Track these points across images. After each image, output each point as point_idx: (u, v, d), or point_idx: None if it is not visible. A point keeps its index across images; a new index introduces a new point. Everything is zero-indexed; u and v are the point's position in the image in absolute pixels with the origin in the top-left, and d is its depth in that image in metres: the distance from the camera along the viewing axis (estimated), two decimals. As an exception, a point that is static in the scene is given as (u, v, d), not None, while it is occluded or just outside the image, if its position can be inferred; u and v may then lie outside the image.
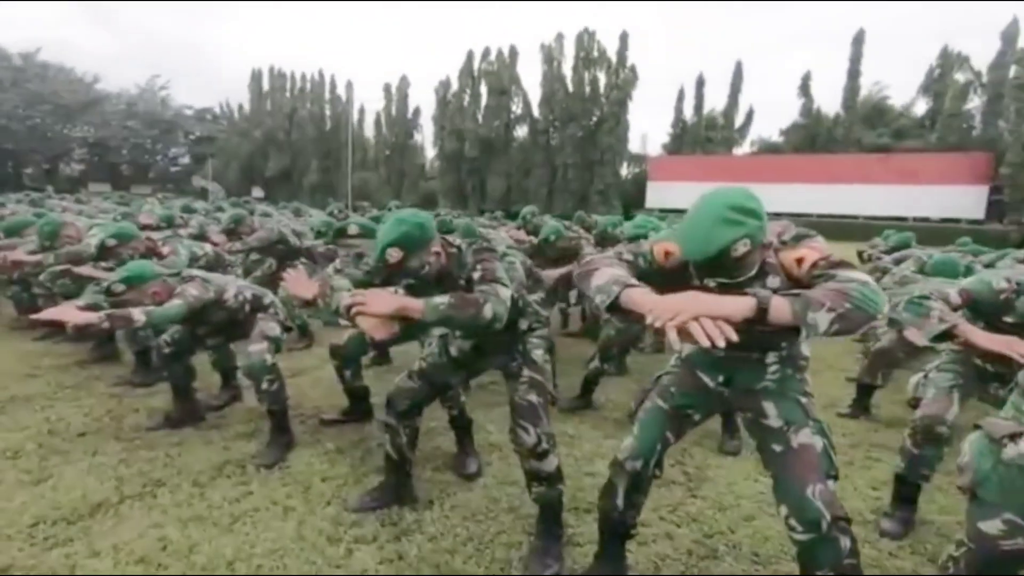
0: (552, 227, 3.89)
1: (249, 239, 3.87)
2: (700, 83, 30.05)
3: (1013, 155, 21.38)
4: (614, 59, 28.98)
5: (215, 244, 3.71)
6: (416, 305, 1.41)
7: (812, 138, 29.14)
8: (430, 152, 35.53)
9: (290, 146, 35.30)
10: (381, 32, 64.19)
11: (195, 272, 2.25)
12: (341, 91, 35.87)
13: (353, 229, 2.19)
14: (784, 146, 30.72)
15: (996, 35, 24.36)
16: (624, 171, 31.32)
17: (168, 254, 3.10)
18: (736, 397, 1.37)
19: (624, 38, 28.83)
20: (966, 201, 23.77)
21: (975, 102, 25.89)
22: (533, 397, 1.59)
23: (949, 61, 26.53)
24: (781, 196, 26.75)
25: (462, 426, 2.21)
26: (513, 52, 30.96)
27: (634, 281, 1.17)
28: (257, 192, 33.71)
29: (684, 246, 1.19)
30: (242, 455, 2.22)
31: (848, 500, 2.01)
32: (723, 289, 1.19)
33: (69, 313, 1.98)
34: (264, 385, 2.16)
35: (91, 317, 1.92)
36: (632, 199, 29.36)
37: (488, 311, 1.40)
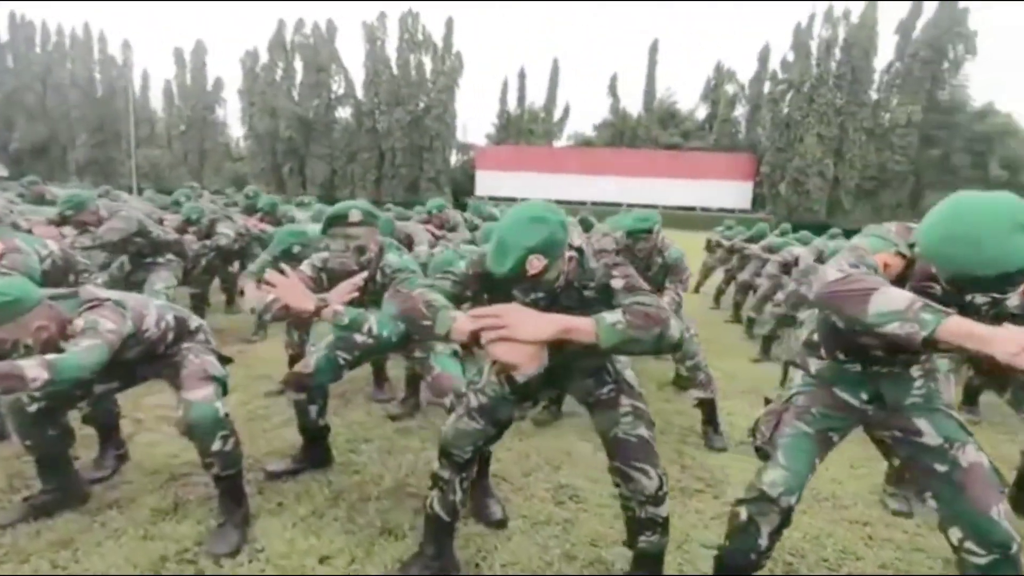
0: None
1: (101, 231, 2.86)
2: (522, 76, 31.26)
3: (771, 156, 26.06)
4: (440, 44, 28.67)
5: (54, 238, 2.65)
6: (585, 327, 1.07)
7: (620, 134, 32.24)
8: (236, 131, 31.64)
9: (45, 114, 28.54)
10: (161, -13, 54.68)
11: (96, 291, 1.53)
12: (115, 52, 30.04)
13: (355, 215, 1.66)
14: (596, 140, 33.51)
15: (754, 55, 29.54)
16: (453, 159, 31.33)
17: (4, 253, 2.10)
18: (883, 415, 1.29)
19: (450, 24, 28.67)
20: (737, 194, 28.47)
21: (740, 110, 31.12)
22: (643, 431, 1.35)
23: (721, 75, 31.36)
24: (596, 186, 29.43)
25: (481, 462, 1.85)
26: (331, 27, 28.86)
27: None
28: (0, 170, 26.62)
29: (491, 265, 1.21)
30: (180, 544, 1.59)
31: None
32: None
33: None
34: (216, 445, 1.55)
35: None
36: (460, 187, 29.53)
37: (675, 328, 1.10)
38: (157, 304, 1.68)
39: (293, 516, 1.76)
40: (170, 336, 1.67)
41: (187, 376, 1.60)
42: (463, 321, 1.10)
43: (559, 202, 7.95)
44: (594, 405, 1.43)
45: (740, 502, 1.28)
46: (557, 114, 32.06)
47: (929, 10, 23.96)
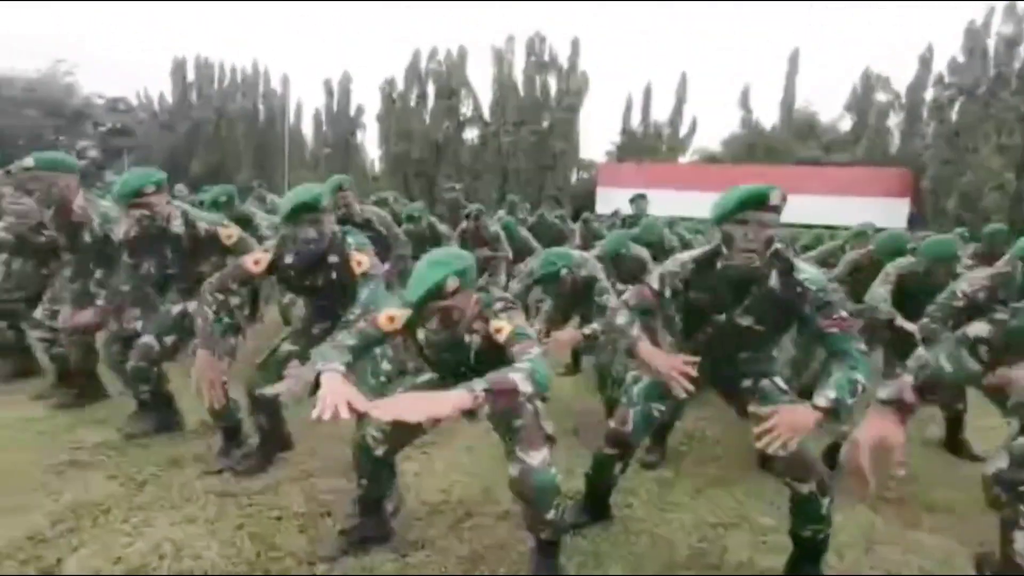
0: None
1: None
2: (647, 92, 30.72)
3: (935, 170, 23.22)
4: (565, 64, 29.02)
5: None
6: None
7: (750, 149, 30.50)
8: (373, 152, 34.16)
9: (220, 142, 32.72)
10: (319, 26, 61.21)
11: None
12: (276, 85, 33.77)
13: (452, 284, 1.91)
14: (723, 156, 31.98)
15: (913, 59, 26.61)
16: (573, 177, 31.43)
17: None
18: None
19: (576, 44, 28.95)
20: (889, 211, 25.63)
21: (894, 120, 28.16)
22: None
23: (870, 82, 28.64)
24: (723, 204, 27.83)
25: None
26: (462, 53, 30.31)
27: None
28: (182, 191, 30.92)
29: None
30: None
31: None
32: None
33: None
34: (551, 513, 1.73)
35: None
36: (581, 204, 29.50)
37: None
38: None
39: None
40: None
41: (526, 429, 1.61)
42: None
43: (683, 219, 7.70)
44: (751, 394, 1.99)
45: None
46: (683, 130, 31.06)
47: None
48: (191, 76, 33.76)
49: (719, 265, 1.89)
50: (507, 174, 29.38)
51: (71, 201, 3.04)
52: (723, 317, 1.93)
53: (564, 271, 3.16)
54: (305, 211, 2.32)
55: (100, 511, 2.44)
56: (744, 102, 30.37)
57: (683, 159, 31.87)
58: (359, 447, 1.90)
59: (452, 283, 1.55)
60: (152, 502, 2.53)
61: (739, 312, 1.89)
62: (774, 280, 1.83)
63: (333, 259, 2.48)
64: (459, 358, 1.82)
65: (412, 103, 30.76)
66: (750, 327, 1.91)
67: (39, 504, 2.49)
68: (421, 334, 1.85)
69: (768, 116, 31.02)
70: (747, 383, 2.01)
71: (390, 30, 57.72)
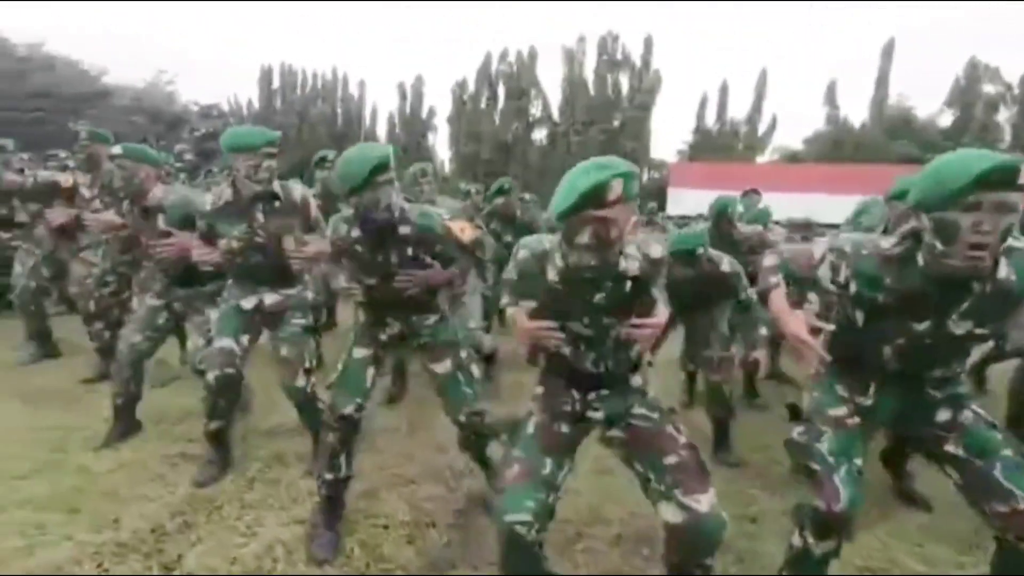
0: None
1: None
2: (724, 90, 29.54)
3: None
4: (638, 63, 28.40)
5: None
6: None
7: (837, 147, 28.65)
8: (443, 153, 34.77)
9: (302, 145, 34.35)
10: (395, 31, 63.09)
11: None
12: (353, 90, 35.03)
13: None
14: (806, 155, 30.23)
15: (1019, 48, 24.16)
16: (645, 176, 30.72)
17: None
18: None
19: (648, 42, 28.30)
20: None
21: (1004, 114, 25.64)
22: None
23: (976, 73, 26.21)
24: (806, 205, 26.30)
25: None
26: (532, 54, 30.31)
27: None
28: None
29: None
30: None
31: None
32: None
33: None
34: (710, 559, 1.52)
35: None
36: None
37: None
38: None
39: None
40: None
41: (685, 467, 1.46)
42: None
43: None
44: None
45: None
46: (762, 127, 29.68)
47: None
48: (276, 83, 35.62)
49: (922, 261, 1.44)
50: (576, 174, 29.14)
51: (148, 191, 3.24)
52: (926, 325, 1.50)
53: (700, 250, 3.08)
54: (380, 172, 2.01)
55: (213, 507, 2.51)
56: (831, 98, 28.61)
57: (762, 158, 30.41)
58: (509, 538, 1.46)
59: (616, 187, 1.29)
60: (261, 500, 2.58)
61: (955, 318, 1.47)
62: (1003, 270, 1.39)
63: (405, 231, 2.16)
64: (596, 293, 1.54)
65: (482, 104, 31.06)
66: (967, 334, 1.48)
67: (158, 495, 2.59)
68: (559, 260, 1.55)
69: (857, 113, 29.12)
70: (944, 416, 1.60)
71: (463, 33, 58.60)
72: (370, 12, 62.66)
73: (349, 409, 2.16)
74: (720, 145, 29.67)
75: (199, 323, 3.16)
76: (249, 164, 2.57)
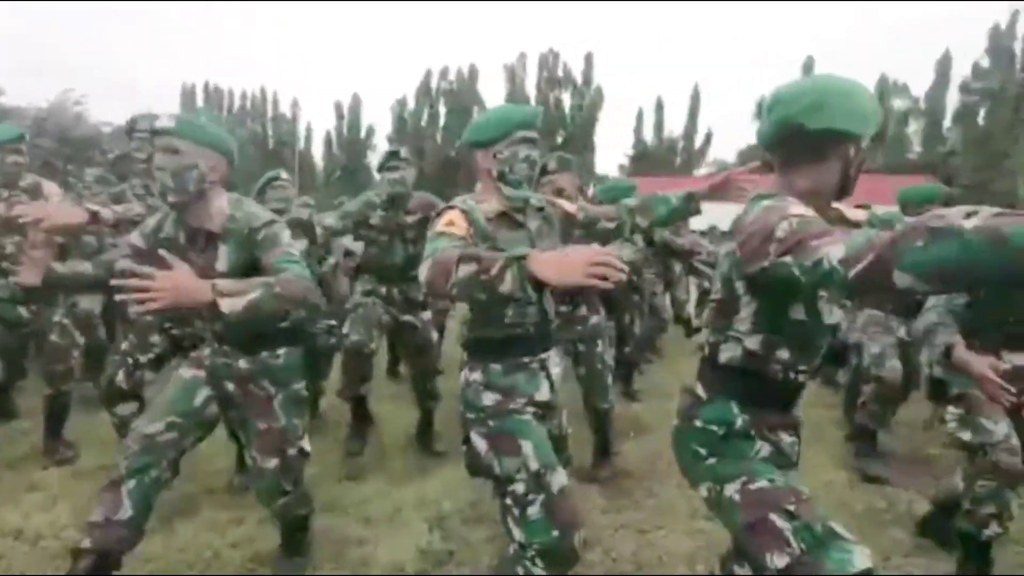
0: None
1: None
2: (659, 106, 30.41)
3: (965, 177, 22.75)
4: (579, 80, 28.81)
5: None
6: None
7: (768, 159, 30.05)
8: (385, 173, 33.88)
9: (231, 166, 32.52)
10: (328, 49, 61.49)
11: None
12: (285, 109, 33.57)
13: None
14: (740, 167, 31.51)
15: (929, 65, 26.33)
16: (590, 191, 31.05)
17: None
18: None
19: (589, 59, 28.81)
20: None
21: (913, 127, 27.77)
22: None
23: (887, 89, 28.34)
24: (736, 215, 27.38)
25: None
26: (473, 71, 30.15)
27: None
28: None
29: None
30: None
31: None
32: None
33: None
34: None
35: None
36: (597, 220, 29.08)
37: None
38: None
39: None
40: None
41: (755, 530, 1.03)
42: None
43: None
44: None
45: None
46: (698, 141, 30.76)
47: None
48: (200, 103, 33.56)
49: None
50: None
51: None
52: None
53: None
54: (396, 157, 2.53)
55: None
56: (759, 113, 30.05)
57: (698, 172, 31.50)
58: None
59: None
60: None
61: None
62: None
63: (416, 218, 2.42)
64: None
65: (423, 122, 30.50)
66: None
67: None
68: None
69: (784, 126, 30.68)
70: None
71: (401, 50, 57.89)
72: (302, 30, 60.98)
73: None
74: (659, 159, 30.46)
75: None
76: None
